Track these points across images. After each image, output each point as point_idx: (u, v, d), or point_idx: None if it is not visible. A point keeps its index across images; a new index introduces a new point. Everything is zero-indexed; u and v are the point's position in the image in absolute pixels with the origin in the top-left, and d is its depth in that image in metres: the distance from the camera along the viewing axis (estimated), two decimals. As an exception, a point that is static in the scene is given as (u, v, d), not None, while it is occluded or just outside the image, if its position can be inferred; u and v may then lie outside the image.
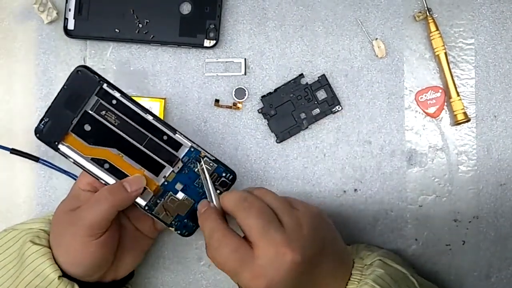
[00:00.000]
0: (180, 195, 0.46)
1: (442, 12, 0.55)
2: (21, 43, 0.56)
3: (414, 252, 0.54)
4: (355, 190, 0.55)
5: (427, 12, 0.54)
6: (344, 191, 0.55)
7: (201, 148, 0.45)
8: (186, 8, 0.55)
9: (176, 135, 0.45)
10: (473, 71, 0.55)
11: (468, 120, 0.53)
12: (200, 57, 0.56)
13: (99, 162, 0.45)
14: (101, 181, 0.45)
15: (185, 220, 0.46)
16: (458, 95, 0.54)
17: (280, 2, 0.56)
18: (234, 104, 0.55)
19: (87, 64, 0.56)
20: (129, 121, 0.44)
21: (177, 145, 0.45)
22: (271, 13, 0.56)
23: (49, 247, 0.46)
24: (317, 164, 0.55)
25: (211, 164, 0.45)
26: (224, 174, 0.46)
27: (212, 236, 0.42)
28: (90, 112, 0.43)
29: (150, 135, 0.44)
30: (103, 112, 0.43)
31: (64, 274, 0.45)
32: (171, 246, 0.55)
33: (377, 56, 0.55)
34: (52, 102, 0.43)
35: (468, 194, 0.55)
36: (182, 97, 0.56)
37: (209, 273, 0.56)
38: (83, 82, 0.43)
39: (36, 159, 0.54)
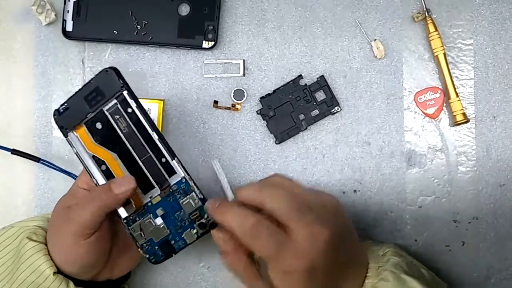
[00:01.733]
0: (159, 221, 0.46)
1: (441, 13, 0.55)
2: (19, 45, 0.56)
3: (414, 253, 0.54)
4: (355, 191, 0.55)
5: (426, 13, 0.54)
6: (344, 192, 0.55)
7: (194, 182, 0.45)
8: (184, 10, 0.55)
9: (174, 161, 0.45)
10: (472, 72, 0.55)
11: (467, 121, 0.53)
12: (198, 58, 0.56)
13: (98, 162, 0.45)
14: (94, 180, 0.45)
15: (156, 247, 0.46)
16: (457, 96, 0.53)
17: (279, 3, 0.56)
18: (233, 105, 0.55)
19: (86, 65, 0.56)
20: (136, 133, 0.45)
21: (172, 171, 0.45)
22: (269, 14, 0.56)
23: (46, 244, 0.46)
24: (316, 165, 0.55)
25: (196, 201, 0.45)
26: (206, 216, 0.45)
27: (245, 223, 0.40)
28: (105, 112, 0.45)
29: (150, 153, 0.45)
30: (117, 117, 0.45)
31: (60, 271, 0.45)
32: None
33: (376, 57, 0.55)
34: (77, 92, 0.45)
35: (467, 195, 0.55)
36: (181, 98, 0.56)
37: (208, 275, 0.55)
38: (108, 83, 0.44)
39: (37, 159, 0.54)
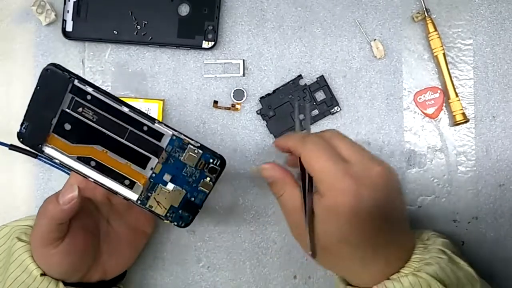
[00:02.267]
0: (170, 186, 0.44)
1: (440, 13, 0.55)
2: (19, 45, 0.56)
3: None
4: (354, 191, 0.55)
5: (426, 13, 0.54)
6: (343, 192, 0.55)
7: (184, 135, 0.44)
8: (184, 10, 0.55)
9: (156, 124, 0.43)
10: (472, 72, 0.55)
11: (467, 121, 0.53)
12: (198, 58, 0.56)
13: (85, 160, 0.44)
14: (90, 179, 0.44)
15: (180, 211, 0.45)
16: (457, 96, 0.54)
17: (279, 4, 0.56)
18: (233, 105, 0.55)
19: (86, 65, 0.56)
20: (106, 115, 0.43)
21: (159, 135, 0.43)
22: (269, 14, 0.56)
23: None
24: (316, 165, 0.55)
25: (196, 152, 0.44)
26: (211, 160, 0.44)
27: (306, 139, 0.41)
28: (67, 110, 0.42)
29: (130, 128, 0.43)
30: (80, 109, 0.42)
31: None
32: (170, 247, 0.55)
33: (375, 57, 0.55)
34: (29, 105, 0.42)
35: (467, 195, 0.55)
36: (181, 98, 0.56)
37: (208, 275, 0.55)
38: (55, 80, 0.42)
39: (34, 155, 0.53)
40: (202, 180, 0.45)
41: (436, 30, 0.53)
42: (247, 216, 0.55)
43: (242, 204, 0.55)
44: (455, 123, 0.54)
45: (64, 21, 0.55)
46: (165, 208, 0.45)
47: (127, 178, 0.44)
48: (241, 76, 0.55)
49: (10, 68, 0.56)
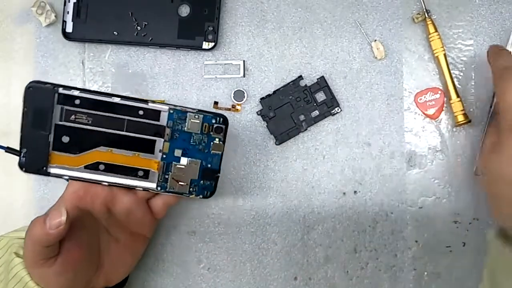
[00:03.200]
0: (184, 160, 0.44)
1: (441, 13, 0.55)
2: (19, 46, 0.56)
3: (415, 254, 0.54)
4: (355, 192, 0.55)
5: (426, 14, 0.54)
6: (344, 193, 0.55)
7: (179, 106, 0.43)
8: (184, 11, 0.55)
9: (149, 104, 0.42)
10: (472, 72, 0.55)
11: (469, 121, 0.53)
12: (198, 59, 0.56)
13: (93, 167, 0.43)
14: (104, 184, 0.43)
15: (200, 182, 0.45)
16: (458, 96, 0.53)
17: (279, 4, 0.56)
18: (233, 106, 0.55)
19: (86, 66, 0.56)
20: (99, 113, 0.42)
21: (156, 114, 0.43)
22: (269, 15, 0.56)
23: None
24: (316, 166, 0.55)
25: (196, 117, 0.43)
26: (214, 121, 0.44)
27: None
28: (60, 123, 0.41)
29: (126, 117, 0.42)
30: (73, 117, 0.41)
31: None
32: (170, 249, 0.55)
33: (376, 57, 0.55)
34: (21, 130, 0.41)
35: (468, 196, 0.54)
36: (181, 99, 0.56)
37: (208, 276, 0.55)
38: (40, 96, 0.40)
39: None
40: (211, 143, 0.44)
41: (436, 31, 0.53)
42: (248, 217, 0.55)
43: (243, 205, 0.55)
44: (457, 124, 0.53)
45: (64, 22, 0.55)
46: (187, 184, 0.44)
47: (139, 169, 0.44)
48: (241, 77, 0.55)
49: (10, 69, 0.56)
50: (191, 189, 0.45)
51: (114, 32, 0.55)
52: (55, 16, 0.55)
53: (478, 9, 0.55)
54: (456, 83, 0.54)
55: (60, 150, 0.42)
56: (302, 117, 0.54)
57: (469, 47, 0.55)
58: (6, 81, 0.56)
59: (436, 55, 0.54)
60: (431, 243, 0.54)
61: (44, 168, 0.42)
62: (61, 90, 0.41)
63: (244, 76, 0.55)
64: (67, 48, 0.56)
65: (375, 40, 0.55)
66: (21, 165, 0.42)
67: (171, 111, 0.43)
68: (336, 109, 0.54)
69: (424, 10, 0.54)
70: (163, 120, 0.43)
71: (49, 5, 0.55)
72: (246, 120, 0.55)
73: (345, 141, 0.55)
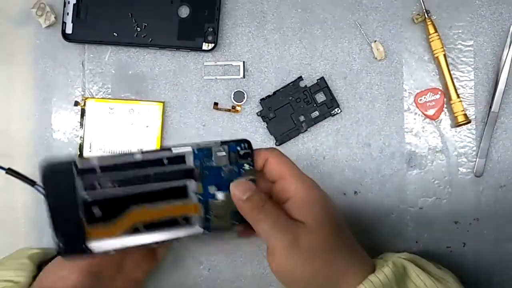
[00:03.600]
0: (220, 196, 0.42)
1: (440, 14, 0.55)
2: (19, 47, 0.56)
3: (415, 254, 0.54)
4: (355, 192, 0.55)
5: (426, 14, 0.54)
6: (344, 194, 0.55)
7: (202, 143, 0.42)
8: (184, 12, 0.55)
9: (173, 150, 0.41)
10: (472, 73, 0.55)
11: (469, 122, 0.53)
12: (198, 60, 0.56)
13: (133, 231, 0.40)
14: (153, 245, 0.41)
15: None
16: (458, 97, 0.53)
17: (279, 5, 0.55)
18: (233, 107, 0.55)
19: (86, 67, 0.56)
20: (123, 173, 0.39)
21: (180, 159, 0.41)
22: (269, 16, 0.56)
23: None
24: (316, 167, 0.55)
25: (221, 149, 0.42)
26: (239, 148, 0.42)
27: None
28: (86, 198, 0.38)
29: (152, 170, 0.40)
30: (96, 184, 0.39)
31: None
32: (171, 249, 0.55)
33: (376, 58, 0.55)
34: (50, 216, 0.38)
35: (468, 196, 0.54)
36: (181, 100, 0.56)
37: (209, 277, 0.55)
38: (57, 174, 0.38)
39: (32, 183, 0.49)
40: (241, 170, 0.42)
41: (436, 31, 0.53)
42: (248, 218, 0.55)
43: (243, 206, 0.55)
44: (457, 124, 0.53)
45: (64, 23, 0.55)
46: (229, 218, 0.42)
47: (180, 218, 0.41)
48: (241, 77, 0.55)
49: (10, 70, 0.56)
50: (234, 221, 0.42)
51: (114, 33, 0.55)
52: (55, 18, 0.55)
53: (478, 10, 0.55)
54: (456, 83, 0.54)
55: (94, 222, 0.39)
56: (302, 118, 0.54)
57: (469, 47, 0.55)
58: (6, 82, 0.56)
59: (436, 55, 0.54)
60: (431, 244, 0.54)
61: (84, 246, 0.38)
62: (77, 161, 0.38)
63: (244, 77, 0.55)
64: (67, 49, 0.56)
65: (375, 41, 0.55)
66: (61, 254, 0.38)
67: (195, 151, 0.41)
68: (336, 109, 0.54)
69: (424, 10, 0.54)
70: (189, 162, 0.41)
71: (48, 6, 0.55)
72: (246, 121, 0.55)
73: (345, 141, 0.55)
